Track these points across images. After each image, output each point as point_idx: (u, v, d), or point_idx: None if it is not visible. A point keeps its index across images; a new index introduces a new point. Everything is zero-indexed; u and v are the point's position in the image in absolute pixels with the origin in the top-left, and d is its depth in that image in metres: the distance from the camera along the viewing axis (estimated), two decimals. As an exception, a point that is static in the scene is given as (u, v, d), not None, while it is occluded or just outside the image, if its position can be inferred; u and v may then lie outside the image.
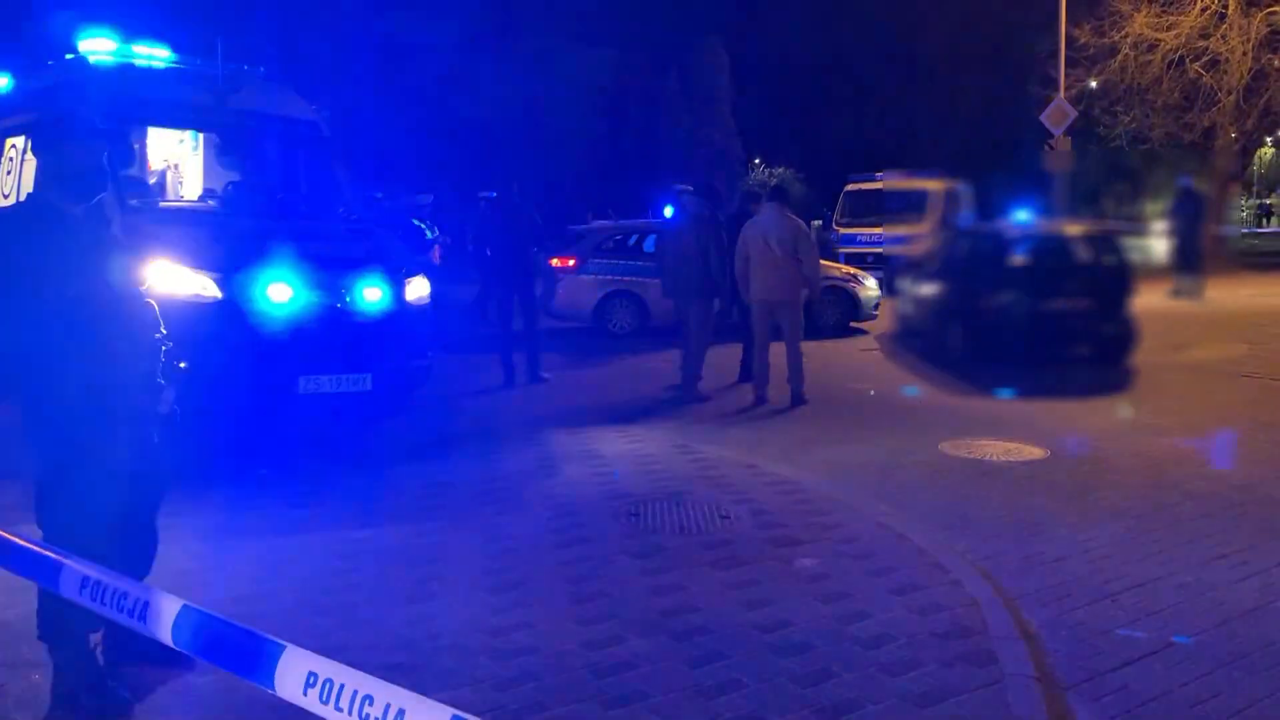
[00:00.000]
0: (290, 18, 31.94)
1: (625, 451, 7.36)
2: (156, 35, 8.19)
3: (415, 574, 4.71)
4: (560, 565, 4.89)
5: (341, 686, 1.89)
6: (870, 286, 15.41)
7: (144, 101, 7.50)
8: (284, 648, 2.04)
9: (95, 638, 3.49)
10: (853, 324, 15.28)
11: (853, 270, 16.25)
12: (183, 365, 3.66)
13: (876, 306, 15.40)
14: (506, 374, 10.46)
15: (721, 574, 4.77)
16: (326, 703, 1.91)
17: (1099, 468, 7.05)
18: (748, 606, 4.36)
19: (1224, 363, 11.45)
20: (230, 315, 6.43)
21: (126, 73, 7.72)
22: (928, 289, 13.12)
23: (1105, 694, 3.70)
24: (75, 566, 2.57)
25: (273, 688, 2.02)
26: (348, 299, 6.99)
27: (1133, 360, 11.08)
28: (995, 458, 7.30)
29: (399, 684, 3.67)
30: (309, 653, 2.02)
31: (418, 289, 7.61)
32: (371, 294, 7.10)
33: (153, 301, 3.65)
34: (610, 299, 14.79)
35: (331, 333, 6.88)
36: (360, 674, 1.91)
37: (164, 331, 3.61)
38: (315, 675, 1.94)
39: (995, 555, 5.19)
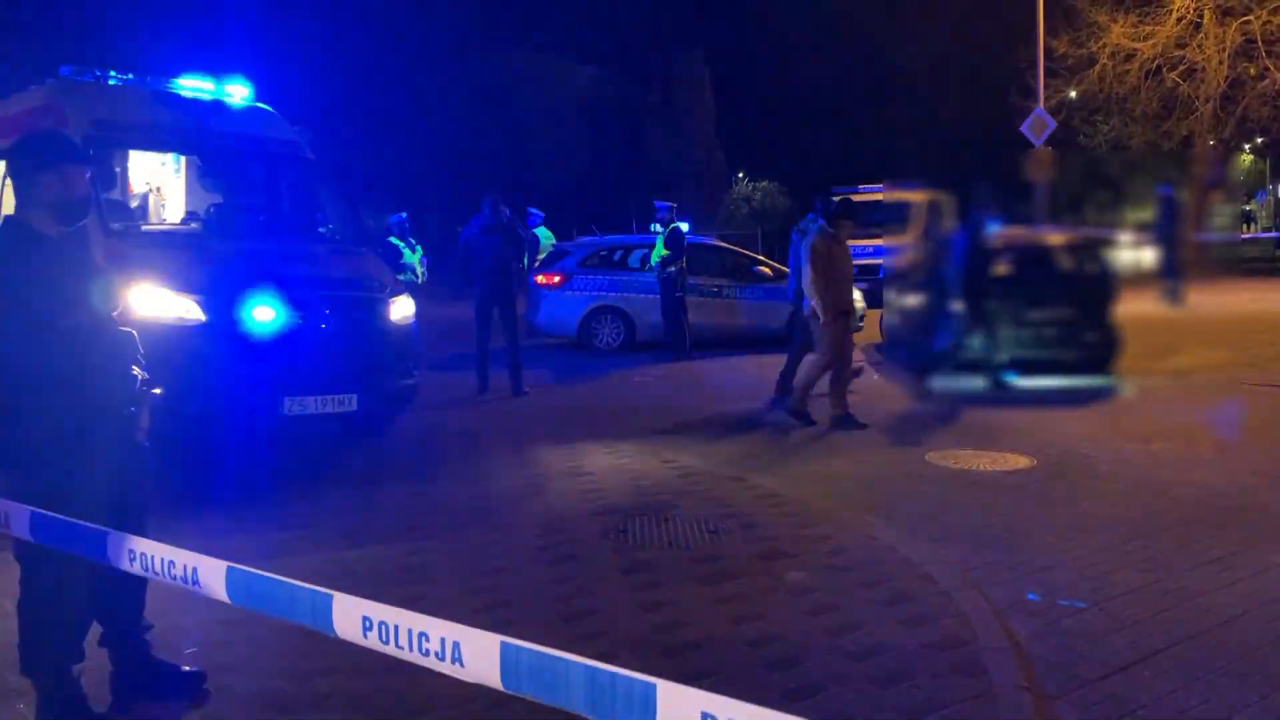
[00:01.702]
0: (271, 38, 31.98)
1: (612, 467, 7.36)
2: (139, 58, 8.20)
3: (403, 594, 4.69)
4: (549, 583, 4.88)
5: (396, 627, 2.03)
6: (855, 299, 15.46)
7: (126, 125, 7.49)
8: (331, 596, 2.16)
9: (78, 668, 3.46)
10: (838, 336, 15.32)
11: (837, 282, 16.28)
12: (158, 391, 3.63)
13: (861, 318, 15.44)
14: (480, 384, 10.79)
15: (711, 589, 4.76)
16: (387, 643, 2.04)
17: (1085, 476, 7.08)
18: (737, 621, 4.36)
19: (1207, 369, 11.53)
20: (214, 337, 6.42)
21: (108, 96, 7.71)
22: (912, 300, 13.18)
23: (1094, 702, 3.71)
24: (122, 538, 2.63)
25: (334, 633, 2.15)
26: (332, 319, 6.98)
27: (1116, 368, 11.14)
28: (982, 468, 7.32)
29: (388, 708, 3.66)
30: (357, 599, 2.13)
31: (402, 308, 7.60)
32: (356, 314, 7.10)
33: (131, 329, 3.62)
34: (596, 315, 14.81)
35: (316, 353, 6.88)
36: (410, 613, 2.02)
37: (142, 359, 3.58)
38: (370, 619, 2.08)
39: (983, 565, 5.20)
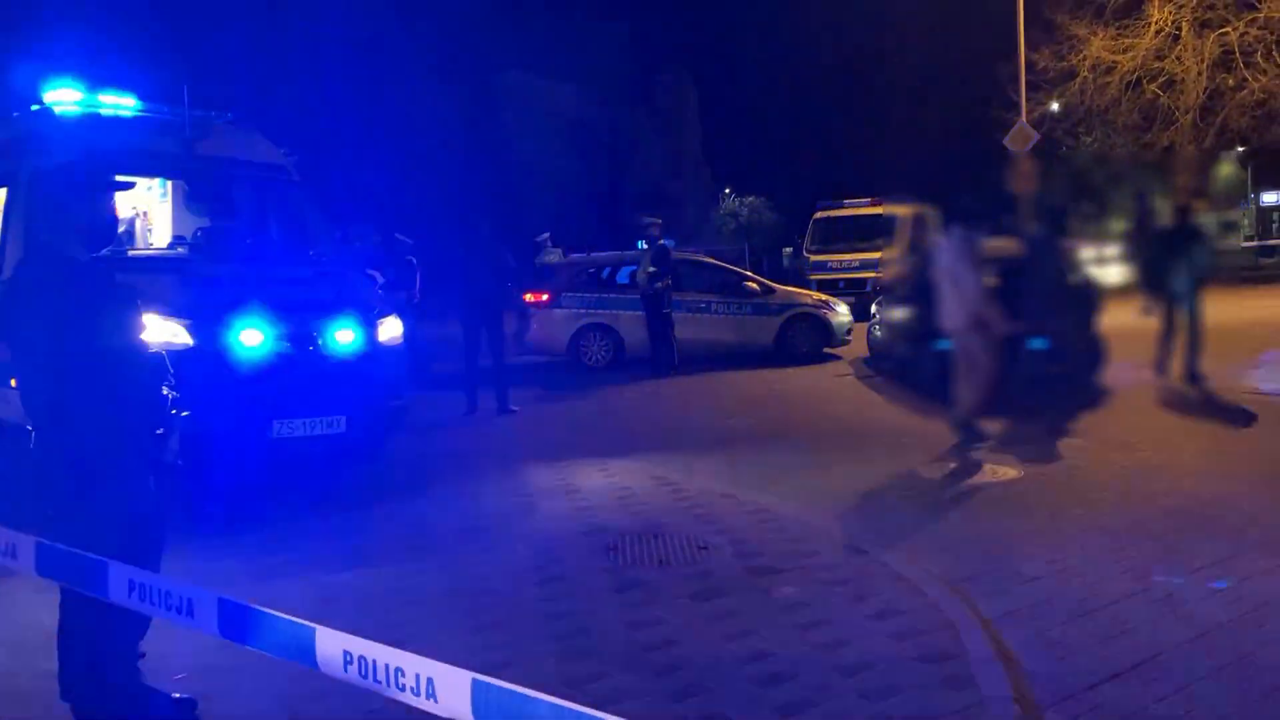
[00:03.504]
0: (257, 61, 32.07)
1: (603, 485, 7.37)
2: (122, 83, 8.21)
3: (393, 616, 4.69)
4: (540, 602, 4.89)
5: (374, 661, 2.13)
6: (842, 313, 15.58)
7: (111, 150, 7.49)
8: (314, 629, 2.25)
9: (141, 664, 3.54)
10: (826, 350, 15.41)
11: (824, 297, 16.41)
12: (185, 414, 3.68)
13: (849, 332, 15.54)
14: (469, 403, 10.86)
15: (701, 606, 4.77)
16: (365, 677, 2.15)
17: (1072, 486, 7.11)
18: (728, 638, 4.37)
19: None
20: (202, 362, 6.41)
21: (93, 122, 7.72)
22: (898, 313, 13.23)
23: (1082, 712, 3.73)
24: (122, 570, 2.70)
25: (317, 667, 2.24)
26: (320, 342, 6.99)
27: (1102, 378, 11.18)
28: (970, 480, 7.35)
29: (379, 729, 3.63)
30: (338, 632, 2.22)
31: (390, 330, 7.61)
32: (343, 336, 7.11)
33: (164, 352, 3.70)
34: (585, 332, 14.84)
35: (304, 376, 6.87)
36: (386, 648, 2.12)
37: (172, 380, 3.64)
38: (350, 653, 2.18)
39: (972, 577, 5.22)
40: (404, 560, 5.60)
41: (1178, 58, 24.17)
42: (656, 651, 4.24)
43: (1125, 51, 24.35)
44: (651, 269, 13.83)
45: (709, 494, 6.98)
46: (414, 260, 13.12)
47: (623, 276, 15.45)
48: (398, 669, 2.08)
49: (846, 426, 9.82)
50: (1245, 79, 23.86)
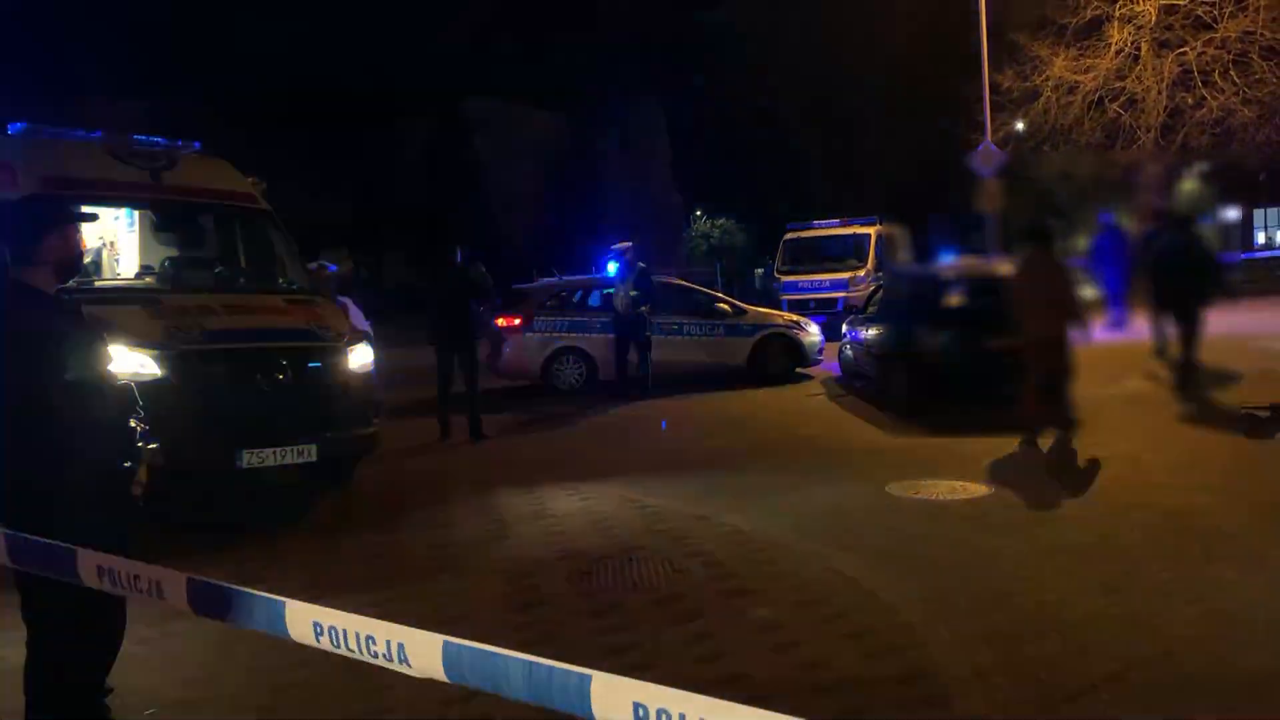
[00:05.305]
0: (228, 82, 32.00)
1: (576, 509, 7.35)
2: (91, 112, 8.18)
3: (367, 646, 4.65)
4: (514, 629, 4.86)
5: (345, 631, 2.14)
6: (813, 332, 15.67)
7: (77, 181, 7.45)
8: (284, 602, 2.27)
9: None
10: (798, 370, 15.48)
11: (796, 317, 16.50)
12: (153, 447, 3.65)
13: (820, 351, 15.62)
14: (442, 429, 10.83)
15: (676, 629, 4.77)
16: (338, 647, 2.15)
17: (1042, 503, 7.17)
18: (703, 660, 4.37)
19: (1159, 393, 11.74)
20: (170, 392, 6.36)
21: (59, 152, 7.68)
22: (868, 332, 13.32)
23: (1056, 728, 3.76)
24: (91, 555, 2.68)
25: (288, 634, 2.25)
26: (289, 370, 6.95)
27: (1070, 394, 11.29)
28: (941, 497, 7.39)
29: (352, 761, 3.60)
30: (308, 604, 2.25)
31: (360, 357, 7.59)
32: (312, 364, 7.07)
33: (131, 383, 3.66)
34: (557, 356, 14.82)
35: (274, 405, 6.83)
36: (357, 617, 2.13)
37: (140, 412, 3.60)
38: (320, 624, 2.19)
39: (945, 595, 5.25)
40: (376, 588, 5.56)
41: (1138, 77, 24.58)
42: (632, 675, 4.20)
43: (1087, 71, 24.74)
44: (634, 293, 13.79)
45: (683, 516, 6.99)
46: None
47: (595, 299, 15.46)
48: (369, 636, 2.09)
49: (819, 446, 9.85)
50: (1204, 97, 24.28)
